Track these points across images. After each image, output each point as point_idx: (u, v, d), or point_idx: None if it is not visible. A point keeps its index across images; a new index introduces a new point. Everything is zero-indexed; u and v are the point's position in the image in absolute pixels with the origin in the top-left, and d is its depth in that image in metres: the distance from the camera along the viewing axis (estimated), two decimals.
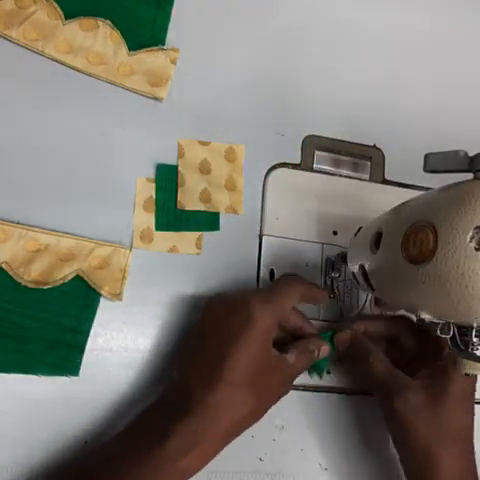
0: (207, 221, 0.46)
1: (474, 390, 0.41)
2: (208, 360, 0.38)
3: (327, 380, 0.46)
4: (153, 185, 0.46)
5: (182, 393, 0.38)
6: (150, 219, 0.45)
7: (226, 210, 0.47)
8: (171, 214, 0.45)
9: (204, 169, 0.47)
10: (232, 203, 0.47)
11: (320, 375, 0.45)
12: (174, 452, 0.35)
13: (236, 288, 0.46)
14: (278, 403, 0.43)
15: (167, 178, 0.46)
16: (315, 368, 0.44)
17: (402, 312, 0.45)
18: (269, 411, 0.41)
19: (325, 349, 0.42)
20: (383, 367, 0.42)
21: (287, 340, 0.42)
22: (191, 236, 0.46)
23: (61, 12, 0.45)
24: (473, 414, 0.41)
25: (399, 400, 0.40)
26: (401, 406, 0.39)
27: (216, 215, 0.47)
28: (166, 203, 0.46)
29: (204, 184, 0.46)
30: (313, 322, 0.45)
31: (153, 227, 0.45)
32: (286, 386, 0.41)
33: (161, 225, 0.45)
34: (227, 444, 0.37)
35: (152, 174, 0.46)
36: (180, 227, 0.46)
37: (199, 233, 0.46)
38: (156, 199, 0.45)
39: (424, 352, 0.43)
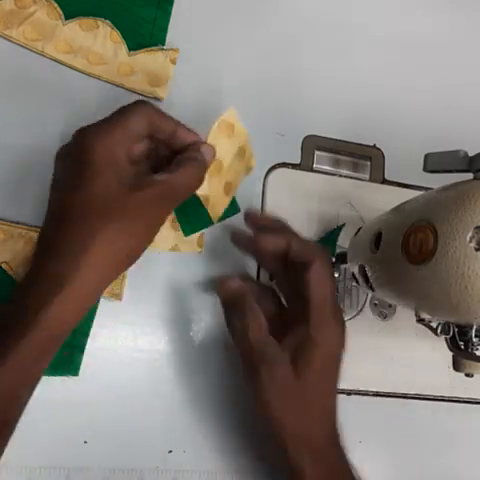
0: (226, 208, 0.44)
1: (339, 361, 0.39)
2: (62, 201, 0.35)
3: None
4: None
5: (42, 242, 0.34)
6: None
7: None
8: (193, 215, 0.43)
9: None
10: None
11: (333, 248, 0.45)
12: (34, 300, 0.31)
13: None
14: None
15: None
16: (326, 241, 0.43)
17: None
18: None
19: (209, 150, 0.38)
20: (259, 333, 0.38)
21: None
22: (192, 235, 0.46)
23: (61, 12, 0.45)
24: (335, 386, 0.39)
25: (267, 370, 0.37)
26: (266, 376, 0.37)
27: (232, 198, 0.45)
28: (184, 207, 0.44)
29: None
30: None
31: None
32: (166, 205, 0.37)
33: (188, 230, 0.43)
34: (111, 277, 0.34)
35: None
36: (204, 225, 0.43)
37: (201, 231, 0.46)
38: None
39: (289, 312, 0.41)
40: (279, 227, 0.42)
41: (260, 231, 0.41)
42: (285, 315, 0.41)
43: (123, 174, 0.35)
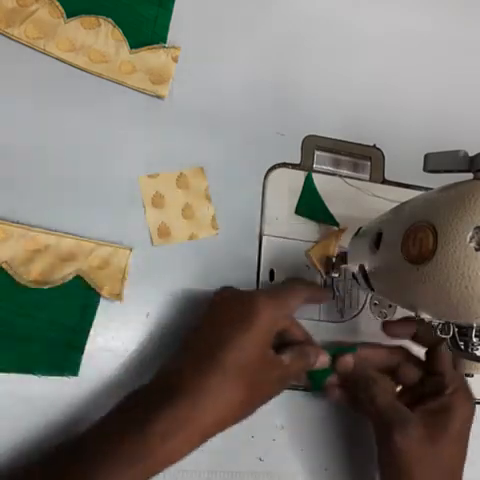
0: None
1: (470, 428, 0.41)
2: (205, 346, 0.38)
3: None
4: (156, 181, 0.46)
5: (171, 378, 0.37)
6: (163, 214, 0.45)
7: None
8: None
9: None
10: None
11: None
12: (154, 438, 0.34)
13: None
14: (278, 403, 0.43)
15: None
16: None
17: (402, 342, 0.44)
18: (269, 411, 0.41)
19: (323, 359, 0.42)
20: (386, 398, 0.41)
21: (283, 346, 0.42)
22: (205, 219, 0.46)
23: (63, 10, 0.45)
24: (466, 452, 0.41)
25: (400, 433, 0.39)
26: (400, 439, 0.39)
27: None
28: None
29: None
30: (313, 323, 0.45)
31: (168, 221, 0.45)
32: (279, 386, 0.41)
33: (317, 385, 0.44)
34: (211, 435, 0.36)
35: (153, 172, 0.46)
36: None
37: (212, 214, 0.46)
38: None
39: (424, 385, 0.43)
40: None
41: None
42: (425, 385, 0.43)
43: (267, 346, 0.39)
